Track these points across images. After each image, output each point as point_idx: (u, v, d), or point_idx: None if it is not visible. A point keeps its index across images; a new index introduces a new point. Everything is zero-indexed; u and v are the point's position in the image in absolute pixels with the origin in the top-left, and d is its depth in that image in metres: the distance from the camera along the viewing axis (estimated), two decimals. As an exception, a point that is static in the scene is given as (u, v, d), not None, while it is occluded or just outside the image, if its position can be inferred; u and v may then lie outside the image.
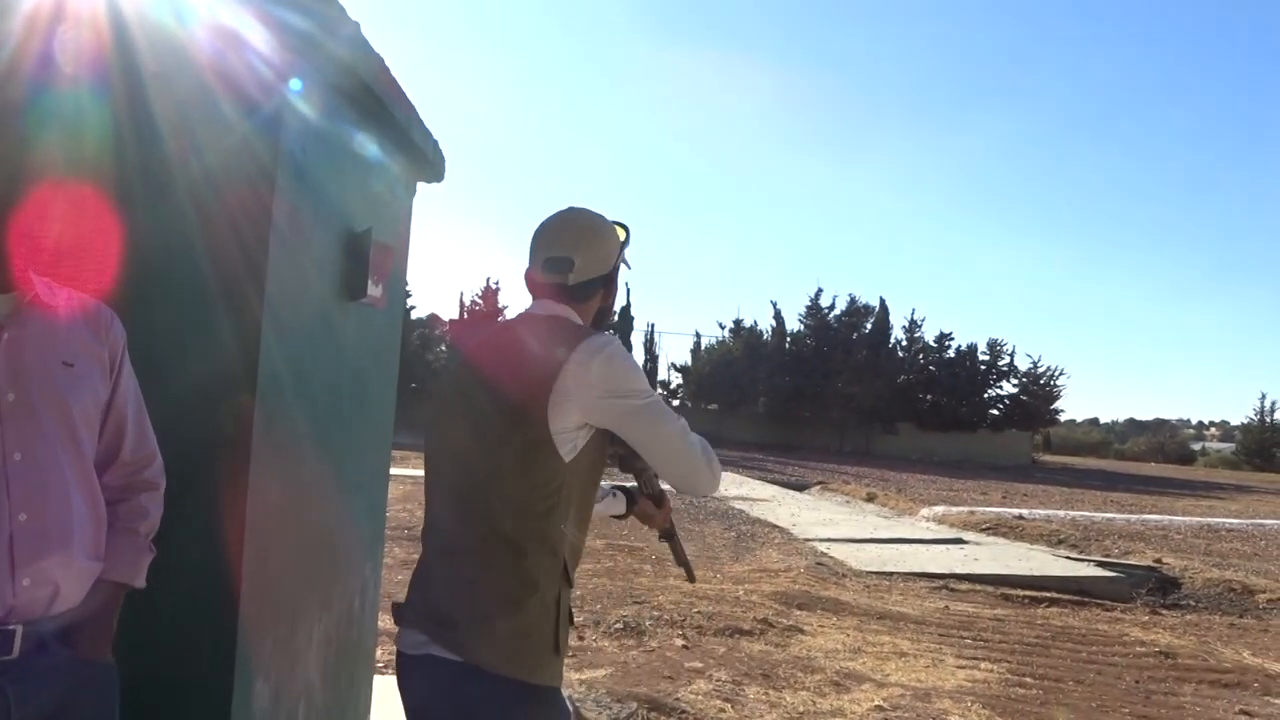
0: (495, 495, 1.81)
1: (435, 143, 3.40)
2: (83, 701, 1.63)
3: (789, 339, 41.82)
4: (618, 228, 2.07)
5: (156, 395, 2.12)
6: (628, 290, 40.83)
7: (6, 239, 1.55)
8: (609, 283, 2.04)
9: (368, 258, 2.70)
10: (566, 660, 6.53)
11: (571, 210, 2.04)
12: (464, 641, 1.76)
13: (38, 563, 1.54)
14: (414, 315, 34.61)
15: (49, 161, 1.62)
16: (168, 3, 2.11)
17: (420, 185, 3.65)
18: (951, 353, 42.57)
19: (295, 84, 2.22)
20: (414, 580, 1.93)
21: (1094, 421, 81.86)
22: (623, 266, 2.09)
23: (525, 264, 2.05)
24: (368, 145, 2.87)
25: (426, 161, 3.40)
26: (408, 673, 1.87)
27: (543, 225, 2.02)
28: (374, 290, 2.78)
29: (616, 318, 39.87)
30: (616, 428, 1.86)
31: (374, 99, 2.62)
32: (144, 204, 2.12)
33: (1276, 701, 6.06)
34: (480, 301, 36.75)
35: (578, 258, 1.95)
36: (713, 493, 2.02)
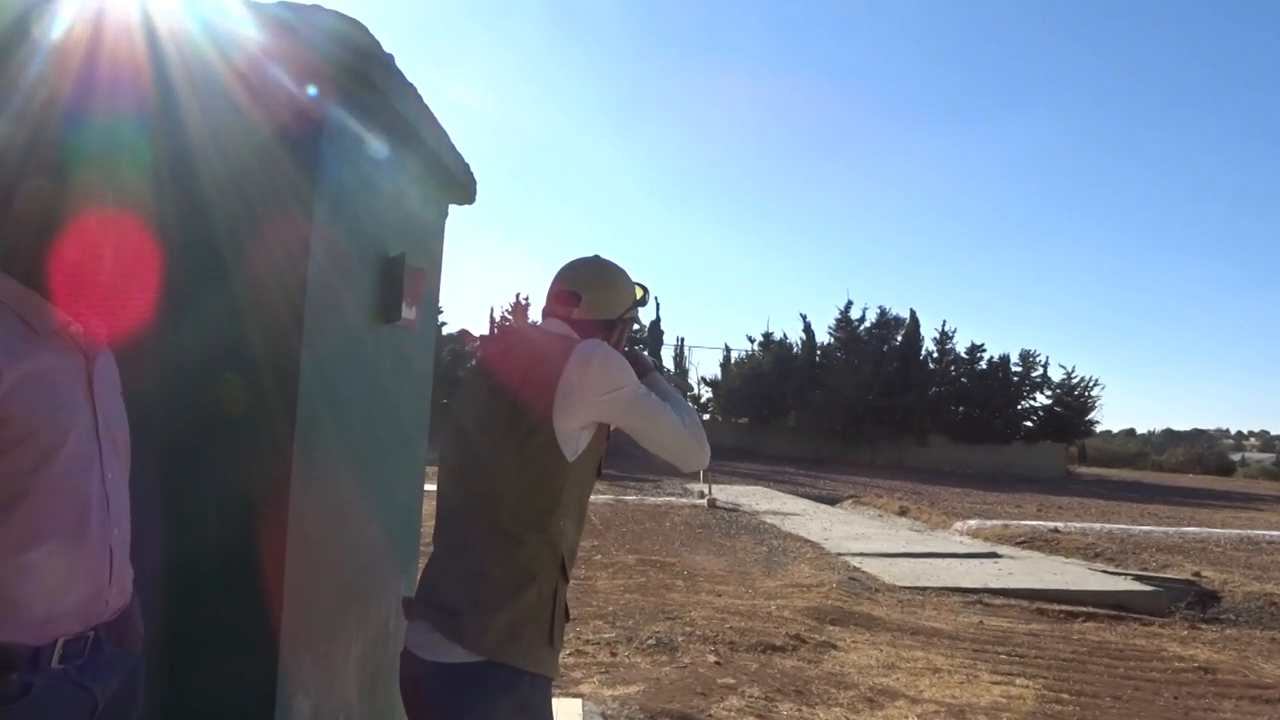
0: (500, 492, 1.91)
1: (466, 165, 3.45)
2: (129, 689, 1.75)
3: (819, 352, 41.66)
4: (638, 287, 2.19)
5: (197, 419, 2.18)
6: (657, 304, 40.95)
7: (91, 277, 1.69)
8: (611, 330, 2.13)
9: (402, 282, 2.75)
10: (599, 676, 6.49)
11: (595, 257, 2.18)
12: (464, 628, 1.85)
13: (122, 571, 1.70)
14: (445, 331, 34.83)
15: (93, 193, 1.67)
16: (204, 30, 2.17)
17: (451, 206, 3.70)
18: (983, 364, 42.23)
19: (311, 90, 2.26)
20: (423, 575, 2.03)
21: (1130, 432, 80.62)
22: (634, 323, 2.21)
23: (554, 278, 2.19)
24: (401, 170, 2.92)
25: (458, 184, 3.46)
26: (408, 669, 1.95)
27: (565, 264, 2.16)
28: (408, 313, 2.83)
29: (646, 333, 39.90)
30: (617, 420, 1.98)
31: (407, 125, 2.68)
32: (182, 231, 2.18)
33: (1320, 718, 5.96)
34: (510, 317, 36.90)
35: (585, 295, 2.10)
36: (705, 464, 2.15)
